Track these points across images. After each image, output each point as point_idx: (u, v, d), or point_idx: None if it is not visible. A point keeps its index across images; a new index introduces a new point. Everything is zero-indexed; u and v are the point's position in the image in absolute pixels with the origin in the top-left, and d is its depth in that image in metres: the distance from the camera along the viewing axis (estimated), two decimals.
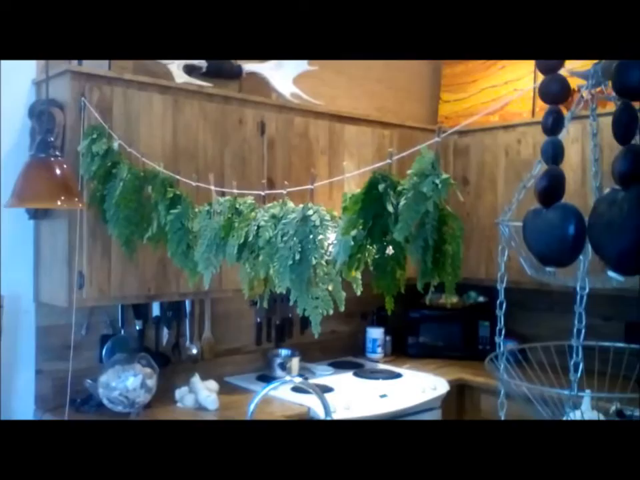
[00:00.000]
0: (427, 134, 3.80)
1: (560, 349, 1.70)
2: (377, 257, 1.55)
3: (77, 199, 2.11)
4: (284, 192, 1.80)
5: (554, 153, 1.25)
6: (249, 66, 3.33)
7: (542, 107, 3.79)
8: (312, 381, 3.40)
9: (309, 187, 1.69)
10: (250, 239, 1.80)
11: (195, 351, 3.31)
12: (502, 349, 1.41)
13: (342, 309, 1.68)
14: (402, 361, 3.92)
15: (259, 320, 3.58)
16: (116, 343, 3.04)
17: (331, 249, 1.65)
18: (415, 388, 3.34)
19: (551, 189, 1.22)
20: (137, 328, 3.15)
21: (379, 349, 3.94)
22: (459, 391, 3.58)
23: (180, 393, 3.02)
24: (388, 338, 4.00)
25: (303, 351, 3.56)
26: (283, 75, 3.37)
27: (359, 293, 1.71)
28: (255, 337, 3.60)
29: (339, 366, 3.73)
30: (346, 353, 3.97)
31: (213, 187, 2.02)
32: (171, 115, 2.87)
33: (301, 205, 1.72)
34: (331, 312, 1.67)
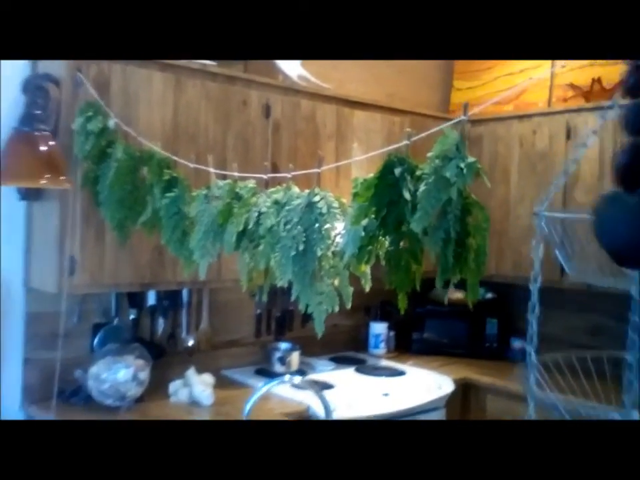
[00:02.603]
0: (439, 122, 3.61)
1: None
2: (390, 249, 1.38)
3: (63, 178, 1.94)
4: (288, 175, 1.63)
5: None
6: None
7: (558, 97, 3.62)
8: (312, 376, 3.25)
9: (316, 170, 1.52)
10: (250, 226, 1.63)
11: (191, 342, 3.15)
12: (532, 358, 1.24)
13: (349, 305, 1.52)
14: (405, 357, 3.75)
15: (258, 311, 3.42)
16: (108, 333, 2.89)
17: (338, 239, 1.49)
18: (419, 386, 3.19)
19: (637, 167, 0.96)
20: (131, 317, 2.99)
21: (382, 345, 3.77)
22: (463, 390, 3.42)
23: (174, 386, 2.86)
24: (391, 333, 3.83)
25: (304, 344, 3.40)
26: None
27: (367, 289, 1.55)
28: (254, 329, 3.43)
29: (341, 361, 3.56)
30: (348, 348, 3.79)
31: (212, 169, 1.85)
32: (171, 93, 2.70)
33: (307, 191, 1.55)
34: (337, 309, 1.51)
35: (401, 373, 3.39)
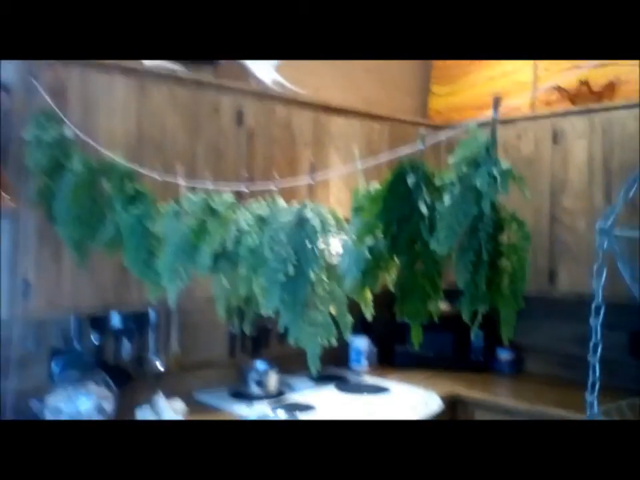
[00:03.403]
0: (421, 129, 3.39)
1: None
2: (401, 273, 1.12)
3: (6, 196, 1.64)
4: (274, 187, 1.37)
5: None
6: None
7: (542, 100, 3.41)
8: (291, 396, 2.98)
9: (308, 180, 1.26)
10: (228, 246, 1.36)
11: (159, 366, 2.86)
12: (594, 409, 0.99)
13: (348, 337, 1.26)
14: (388, 371, 3.48)
15: (232, 329, 3.14)
16: (68, 359, 2.58)
17: (334, 260, 1.23)
18: (404, 404, 2.93)
19: None
20: (94, 340, 2.69)
21: (364, 360, 3.51)
22: (450, 406, 3.17)
23: (141, 414, 2.57)
24: (373, 347, 3.57)
25: (281, 362, 3.12)
26: (264, 61, 2.93)
27: (369, 317, 1.29)
28: (227, 348, 3.15)
29: (321, 379, 3.27)
30: (327, 363, 3.48)
31: (181, 181, 1.58)
32: (135, 101, 2.42)
33: (295, 204, 1.29)
34: (334, 342, 1.26)
35: (385, 390, 3.13)
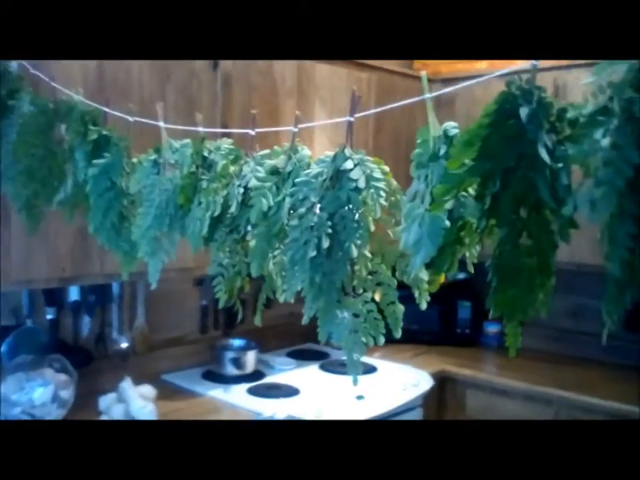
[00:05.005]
0: (409, 81, 3.05)
1: None
2: (501, 249, 0.77)
3: None
4: (294, 129, 0.99)
5: None
6: None
7: None
8: (271, 378, 2.64)
9: (348, 118, 0.90)
10: (231, 209, 1.00)
11: (124, 344, 2.48)
12: None
13: (398, 334, 0.93)
14: (371, 347, 3.18)
15: (204, 302, 2.78)
16: (20, 338, 2.19)
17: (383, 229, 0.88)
18: (394, 384, 2.62)
19: None
20: (49, 317, 2.29)
21: None
22: (440, 384, 2.89)
23: (105, 401, 2.19)
24: None
25: (257, 338, 2.78)
26: None
27: (424, 307, 0.96)
28: (199, 324, 2.79)
29: (301, 356, 2.95)
30: (306, 339, 3.15)
31: (162, 123, 1.19)
32: None
33: (327, 153, 0.93)
34: (381, 341, 0.92)
35: (372, 369, 2.82)
